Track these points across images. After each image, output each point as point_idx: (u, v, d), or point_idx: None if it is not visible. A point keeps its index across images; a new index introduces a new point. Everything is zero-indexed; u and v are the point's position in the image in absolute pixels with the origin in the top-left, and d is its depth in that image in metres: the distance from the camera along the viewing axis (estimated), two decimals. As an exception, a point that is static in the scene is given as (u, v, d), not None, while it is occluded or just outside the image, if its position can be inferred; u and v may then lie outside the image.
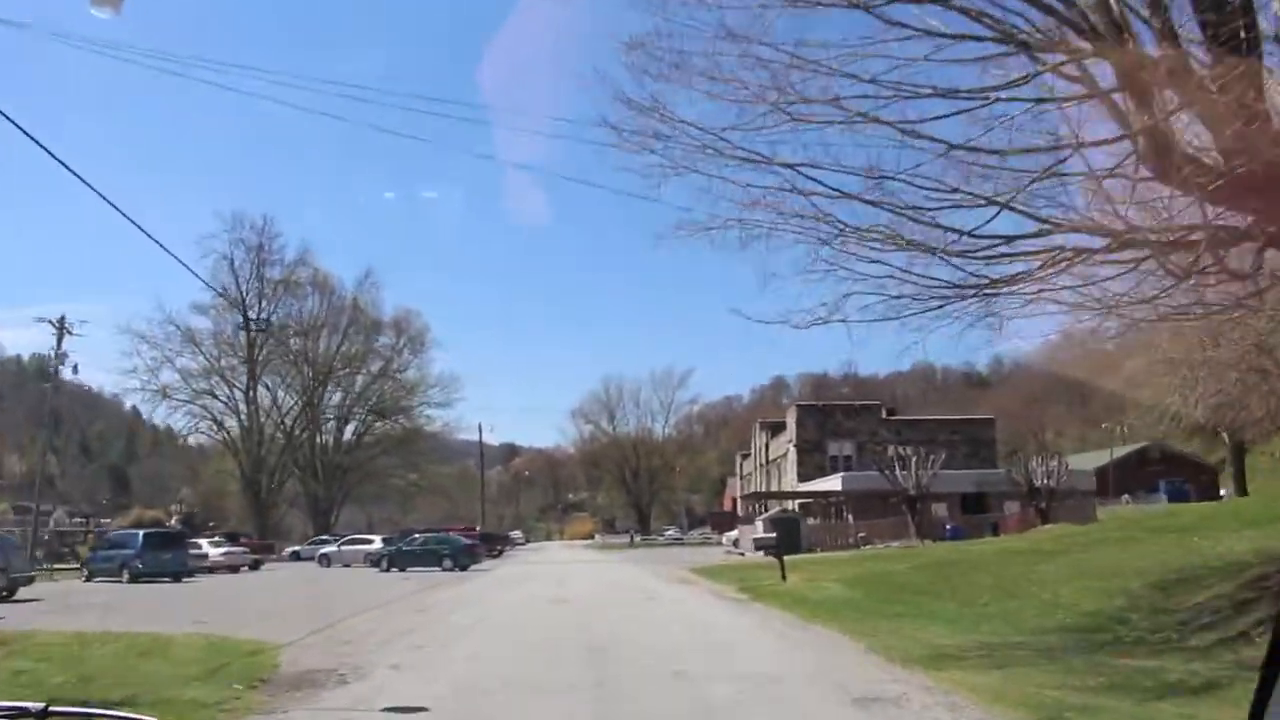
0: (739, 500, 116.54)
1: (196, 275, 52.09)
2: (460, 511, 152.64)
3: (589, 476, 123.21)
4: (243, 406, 66.39)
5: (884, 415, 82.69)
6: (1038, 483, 56.12)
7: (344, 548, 47.90)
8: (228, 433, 67.52)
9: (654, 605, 20.37)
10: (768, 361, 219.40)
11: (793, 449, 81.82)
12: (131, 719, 2.08)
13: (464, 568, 40.67)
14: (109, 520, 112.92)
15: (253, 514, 67.40)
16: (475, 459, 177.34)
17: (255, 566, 46.71)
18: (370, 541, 47.56)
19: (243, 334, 64.95)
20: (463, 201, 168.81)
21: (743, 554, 54.68)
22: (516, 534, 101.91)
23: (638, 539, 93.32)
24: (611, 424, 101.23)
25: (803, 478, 77.19)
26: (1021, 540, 37.56)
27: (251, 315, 66.70)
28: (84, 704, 2.37)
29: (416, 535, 43.91)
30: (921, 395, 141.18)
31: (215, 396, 65.95)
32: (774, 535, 24.10)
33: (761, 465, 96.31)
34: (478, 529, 62.45)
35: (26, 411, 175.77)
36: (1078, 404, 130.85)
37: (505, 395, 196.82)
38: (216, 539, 46.86)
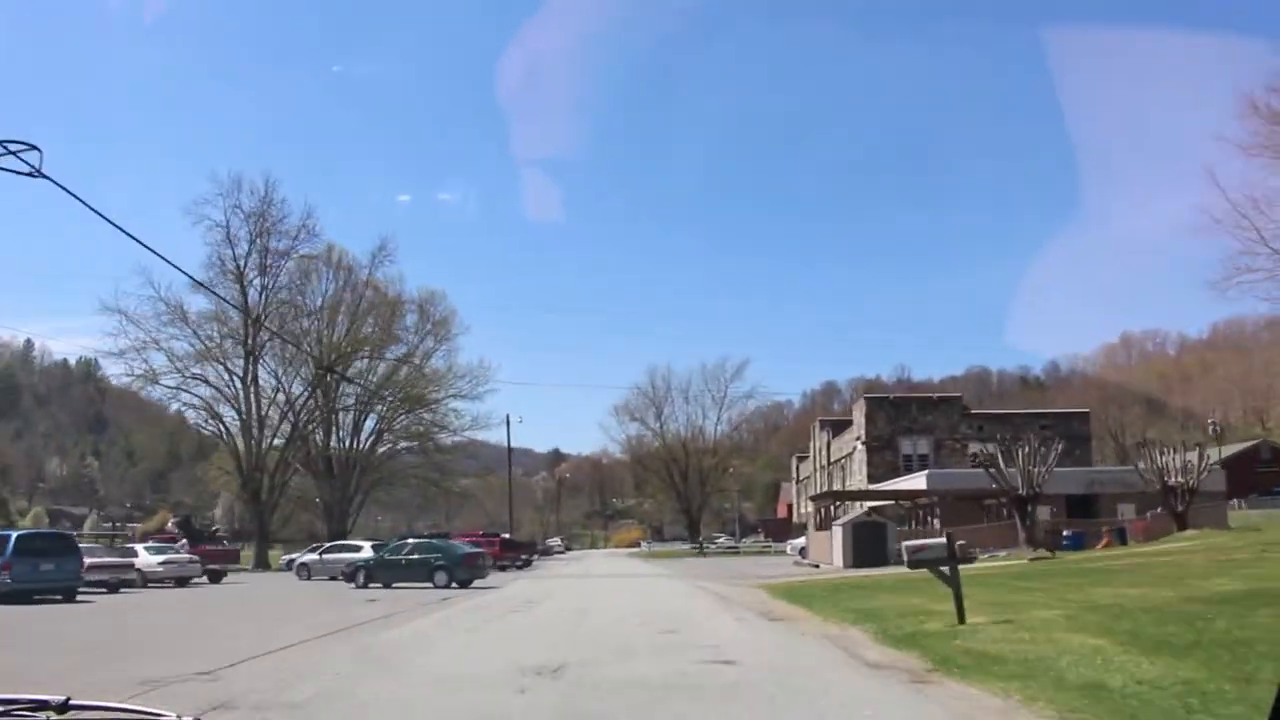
0: (795, 504, 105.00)
1: (176, 266, 43.06)
2: (503, 519, 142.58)
3: (636, 477, 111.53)
4: (242, 394, 56.06)
5: (964, 409, 70.73)
6: (1171, 480, 44.44)
7: (326, 557, 37.15)
8: (223, 423, 57.26)
9: (747, 695, 9.01)
10: (816, 368, 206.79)
11: (861, 447, 70.03)
12: (150, 713, 1.97)
13: (464, 583, 29.62)
14: (136, 525, 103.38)
15: (252, 516, 57.17)
16: (522, 468, 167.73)
17: (216, 578, 36.11)
18: (358, 549, 36.66)
19: (239, 313, 54.72)
20: (485, 202, 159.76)
21: (816, 566, 43.10)
22: (555, 541, 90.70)
23: (707, 545, 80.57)
24: (659, 420, 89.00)
25: (873, 479, 65.59)
26: (1213, 551, 25.80)
27: (251, 292, 56.63)
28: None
29: (407, 541, 32.84)
30: (976, 400, 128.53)
31: (207, 382, 55.72)
32: (943, 544, 12.05)
33: (822, 467, 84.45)
34: (503, 536, 51.48)
35: (70, 415, 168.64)
36: (1145, 407, 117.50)
37: (548, 400, 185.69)
38: (155, 544, 36.35)
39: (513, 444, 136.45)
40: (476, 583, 30.47)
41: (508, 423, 64.32)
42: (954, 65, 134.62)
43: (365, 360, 63.21)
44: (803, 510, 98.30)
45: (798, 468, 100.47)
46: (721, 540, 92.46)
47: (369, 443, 66.10)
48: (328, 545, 40.73)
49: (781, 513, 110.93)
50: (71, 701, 1.95)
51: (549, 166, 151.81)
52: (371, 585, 30.15)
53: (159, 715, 1.98)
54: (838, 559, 42.06)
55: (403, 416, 66.65)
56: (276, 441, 58.29)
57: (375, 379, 63.02)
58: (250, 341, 55.48)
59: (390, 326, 62.54)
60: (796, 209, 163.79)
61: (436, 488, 67.84)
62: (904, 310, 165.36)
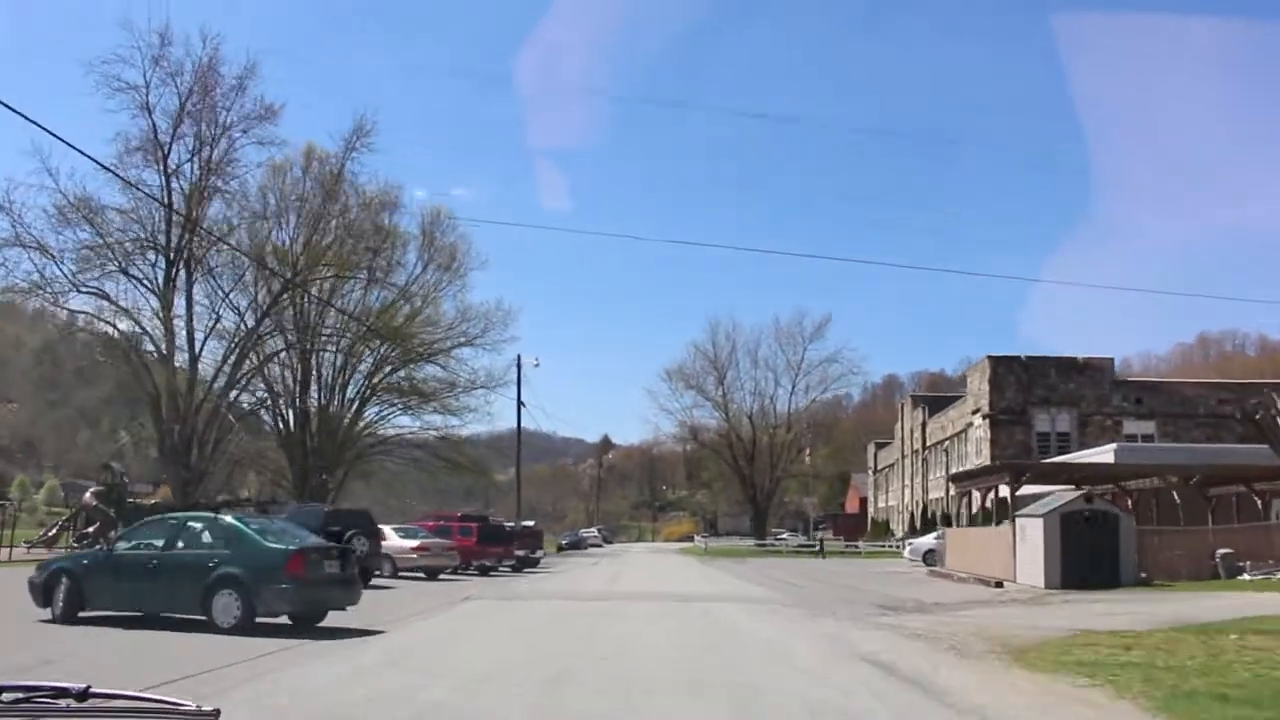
0: (870, 497, 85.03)
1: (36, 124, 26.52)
2: (545, 508, 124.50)
3: (688, 464, 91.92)
4: (161, 318, 38.53)
5: (1114, 377, 51.14)
6: None
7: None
8: (139, 357, 39.68)
9: None
10: (874, 363, 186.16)
11: (982, 421, 50.72)
12: (169, 703, 1.90)
13: (303, 619, 11.35)
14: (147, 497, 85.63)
15: (176, 486, 39.76)
16: (572, 457, 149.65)
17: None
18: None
19: (159, 206, 37.34)
20: (502, 192, 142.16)
21: (998, 584, 24.18)
22: (591, 533, 71.89)
23: (814, 537, 60.48)
24: (720, 387, 68.62)
25: (999, 460, 46.61)
26: None
27: (181, 185, 39.11)
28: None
29: (164, 518, 14.19)
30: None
31: (107, 299, 38.31)
32: None
33: (915, 451, 65.16)
34: (497, 521, 33.25)
35: (112, 390, 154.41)
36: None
37: (599, 389, 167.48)
38: None
39: (564, 435, 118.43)
40: (334, 618, 12.15)
41: (518, 365, 46.00)
42: (994, 56, 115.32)
43: (359, 288, 45.80)
44: (881, 504, 79.12)
45: (875, 455, 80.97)
46: (786, 537, 72.67)
47: (355, 402, 48.50)
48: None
49: (851, 507, 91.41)
50: (92, 689, 1.88)
51: (563, 155, 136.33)
52: (83, 616, 12.07)
53: (178, 704, 1.91)
54: (1031, 573, 23.27)
55: (397, 369, 48.98)
56: (214, 388, 40.66)
57: (359, 310, 45.34)
58: (172, 245, 37.94)
59: (381, 245, 44.65)
60: (839, 198, 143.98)
61: (441, 461, 49.83)
62: (965, 305, 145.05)
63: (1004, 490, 27.92)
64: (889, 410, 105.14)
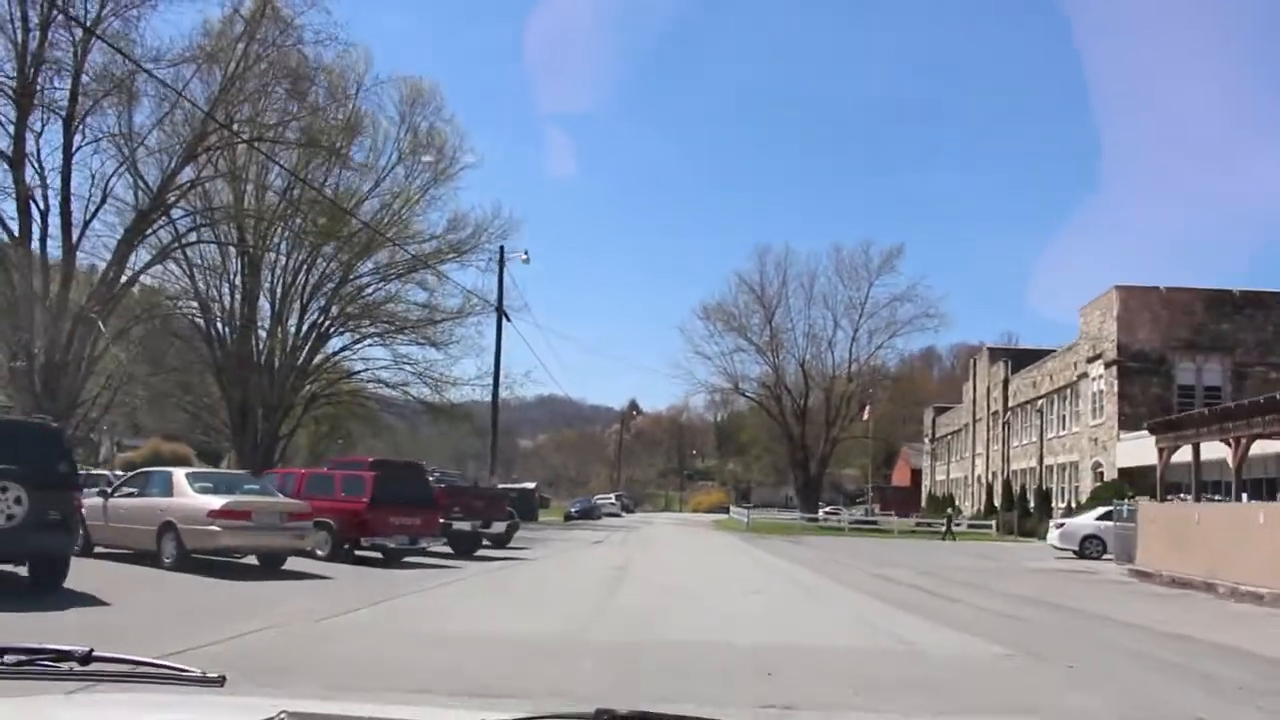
0: (929, 468, 71.38)
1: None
2: (570, 474, 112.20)
3: (721, 427, 78.99)
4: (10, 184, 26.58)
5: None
6: None
7: None
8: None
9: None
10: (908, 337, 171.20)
11: (1105, 370, 37.86)
12: (174, 668, 1.80)
13: None
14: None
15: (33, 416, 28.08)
16: (603, 424, 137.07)
17: None
18: None
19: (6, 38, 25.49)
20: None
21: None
22: (608, 499, 59.46)
23: (871, 511, 47.66)
24: (768, 327, 53.39)
25: (1128, 423, 34.20)
26: None
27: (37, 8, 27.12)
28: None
29: None
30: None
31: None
32: None
33: (992, 414, 52.13)
34: (435, 472, 21.07)
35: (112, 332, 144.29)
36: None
37: (626, 353, 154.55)
38: None
39: (600, 404, 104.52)
40: None
41: (500, 258, 33.08)
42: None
43: (319, 172, 33.84)
44: (941, 476, 66.19)
45: (934, 422, 67.94)
46: (827, 510, 59.47)
47: (313, 328, 36.60)
48: None
49: (900, 479, 78.47)
50: (95, 653, 1.76)
51: (572, 120, 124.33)
52: None
53: (184, 670, 1.81)
54: None
55: (370, 287, 37.18)
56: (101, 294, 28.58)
57: (318, 209, 33.32)
58: (29, 81, 25.81)
59: (326, 106, 32.24)
60: (859, 170, 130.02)
61: (420, 405, 37.85)
62: (1003, 276, 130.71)
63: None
64: (926, 381, 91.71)
